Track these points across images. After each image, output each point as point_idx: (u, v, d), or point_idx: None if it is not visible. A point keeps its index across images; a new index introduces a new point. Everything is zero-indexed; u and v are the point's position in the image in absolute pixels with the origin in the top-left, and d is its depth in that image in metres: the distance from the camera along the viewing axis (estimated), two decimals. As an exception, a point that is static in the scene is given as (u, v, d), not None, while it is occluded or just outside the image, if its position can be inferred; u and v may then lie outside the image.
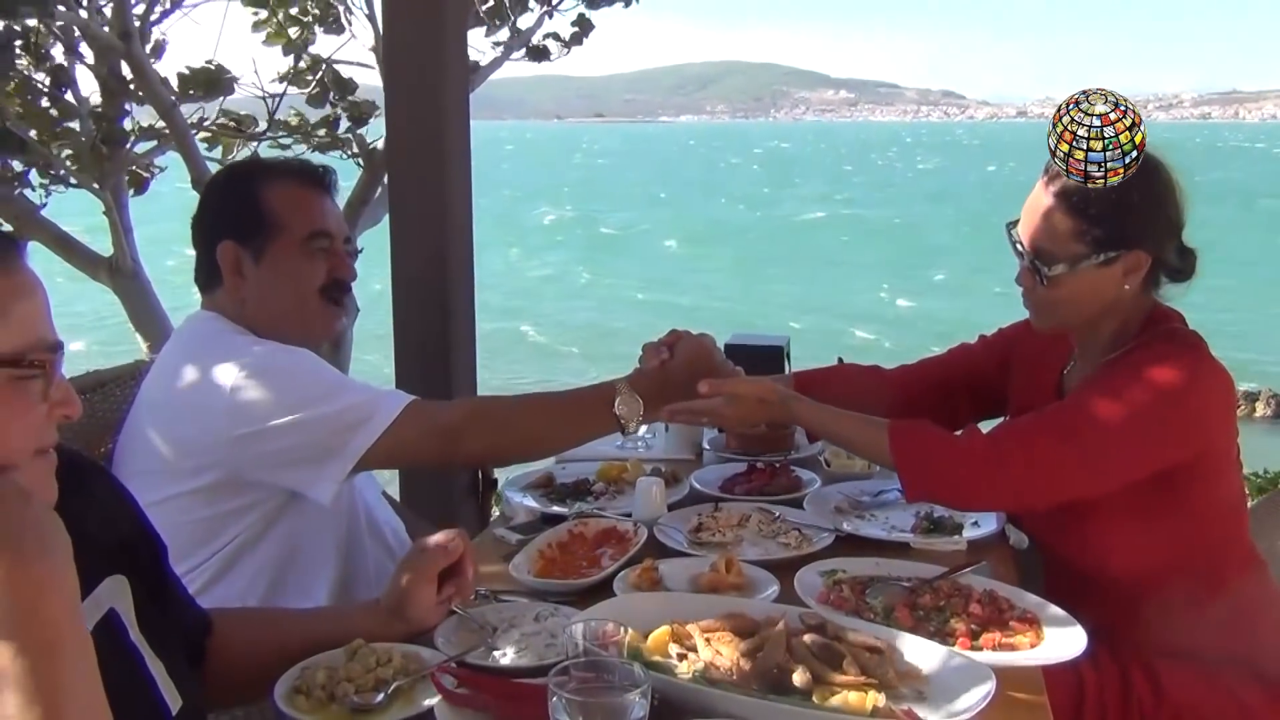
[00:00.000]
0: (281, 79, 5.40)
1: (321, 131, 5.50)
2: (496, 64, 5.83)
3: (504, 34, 5.81)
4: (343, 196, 4.84)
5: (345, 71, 5.49)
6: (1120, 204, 2.01)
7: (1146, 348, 2.05)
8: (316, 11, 5.36)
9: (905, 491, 2.09)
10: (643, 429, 2.83)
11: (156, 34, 5.19)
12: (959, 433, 2.11)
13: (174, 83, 5.06)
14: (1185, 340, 2.07)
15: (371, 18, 5.39)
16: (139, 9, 5.05)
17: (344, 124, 5.51)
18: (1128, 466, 1.99)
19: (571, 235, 39.17)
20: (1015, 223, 2.14)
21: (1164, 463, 1.99)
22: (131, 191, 5.59)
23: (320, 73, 5.37)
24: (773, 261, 31.94)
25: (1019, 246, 2.10)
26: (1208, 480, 2.07)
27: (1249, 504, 2.40)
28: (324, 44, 5.50)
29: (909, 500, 2.16)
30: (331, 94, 5.45)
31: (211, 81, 5.11)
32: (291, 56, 5.40)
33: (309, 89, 5.42)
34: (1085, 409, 2.03)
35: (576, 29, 5.91)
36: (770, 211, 48.51)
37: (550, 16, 5.87)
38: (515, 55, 5.86)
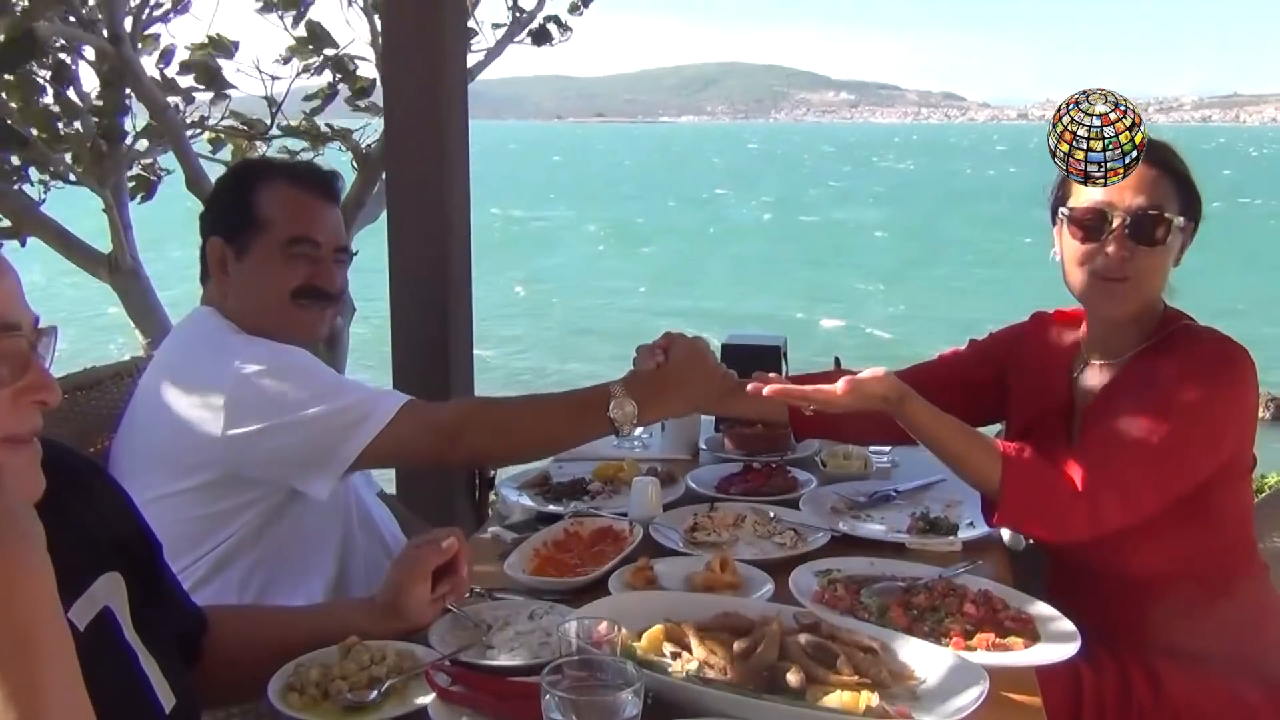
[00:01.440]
0: (288, 56, 5.39)
1: (316, 114, 5.49)
2: (497, 51, 5.82)
3: (503, 15, 5.82)
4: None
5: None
6: (1183, 167, 2.05)
7: (1178, 346, 2.04)
8: None
9: (998, 518, 2.03)
10: (639, 430, 2.83)
11: (165, 38, 5.21)
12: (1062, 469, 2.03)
13: (171, 77, 5.07)
14: (1218, 338, 2.05)
15: (368, 11, 5.38)
16: (135, 3, 5.05)
17: (342, 99, 5.50)
18: (1193, 473, 1.98)
19: (506, 235, 39.41)
20: (1073, 202, 2.08)
21: (1215, 465, 1.99)
22: (140, 197, 5.59)
23: (324, 53, 5.37)
24: (699, 266, 32.15)
25: (1111, 217, 2.01)
26: (1230, 479, 2.06)
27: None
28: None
29: (994, 525, 2.11)
30: (329, 70, 5.44)
31: (208, 69, 5.12)
32: (290, 30, 5.37)
33: (308, 62, 5.40)
34: (1151, 426, 1.98)
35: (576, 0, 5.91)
36: (722, 213, 49.23)
37: None
38: (518, 38, 5.85)
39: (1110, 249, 2.02)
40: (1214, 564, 2.09)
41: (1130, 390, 2.07)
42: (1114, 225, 2.01)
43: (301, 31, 5.39)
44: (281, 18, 5.31)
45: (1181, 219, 2.03)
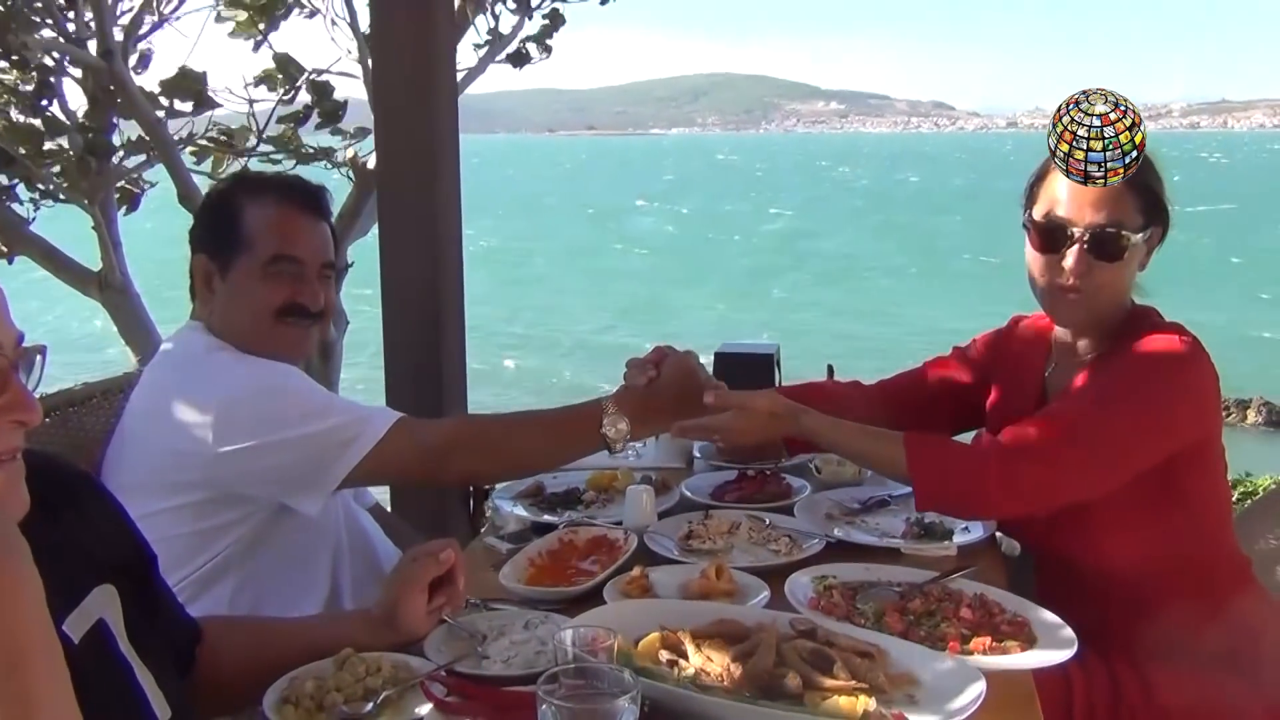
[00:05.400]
0: (258, 81, 5.38)
1: (293, 138, 5.48)
2: (478, 71, 5.83)
3: (482, 35, 5.82)
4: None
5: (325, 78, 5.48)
6: (1151, 177, 2.07)
7: (1136, 341, 2.07)
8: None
9: (918, 502, 2.10)
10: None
11: (142, 46, 5.18)
12: (970, 442, 2.12)
13: (157, 94, 5.05)
14: (1172, 330, 2.09)
15: (354, 26, 5.38)
16: (124, 20, 5.04)
17: (313, 124, 5.49)
18: (1138, 459, 2.01)
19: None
20: (1036, 213, 2.11)
21: (1169, 451, 2.01)
22: (124, 210, 5.57)
23: (301, 79, 5.36)
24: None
25: (1070, 232, 2.05)
26: (1202, 469, 2.10)
27: (1238, 510, 2.41)
28: (305, 53, 5.47)
29: (920, 509, 2.17)
30: (302, 92, 5.43)
31: (190, 89, 5.10)
32: (268, 59, 5.37)
33: (281, 88, 5.40)
34: (1091, 407, 2.05)
35: (546, 23, 5.92)
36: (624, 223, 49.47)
37: (529, 18, 5.88)
38: (498, 59, 5.86)
39: (1068, 262, 2.06)
40: (1195, 559, 2.12)
41: (1082, 384, 2.13)
42: (1072, 239, 2.06)
43: (269, 62, 5.39)
44: (253, 41, 5.29)
45: (1142, 233, 2.06)
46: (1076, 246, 2.04)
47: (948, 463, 2.06)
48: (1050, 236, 2.08)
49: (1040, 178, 2.15)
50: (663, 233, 47.01)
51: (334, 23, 5.40)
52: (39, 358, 1.15)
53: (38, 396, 1.16)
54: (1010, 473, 2.00)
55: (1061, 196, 2.08)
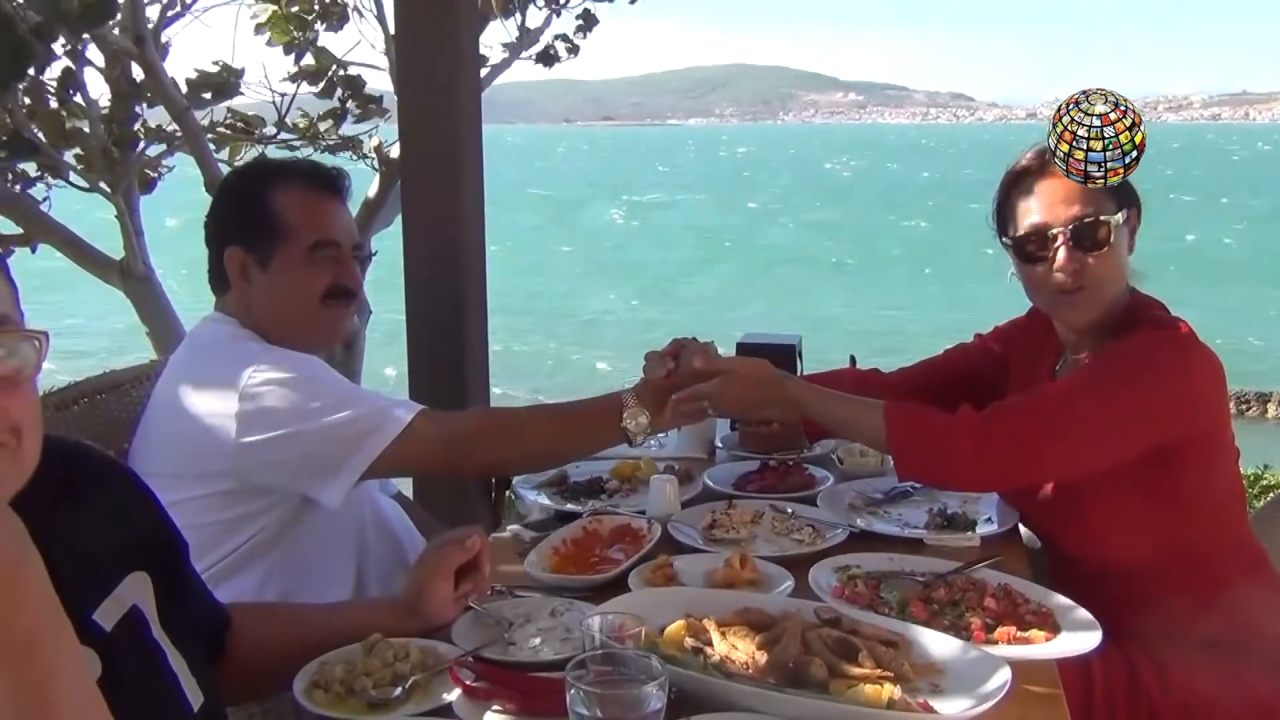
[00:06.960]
0: (291, 78, 5.41)
1: (330, 133, 5.51)
2: (505, 65, 5.85)
3: (512, 32, 5.83)
4: (355, 200, 4.87)
5: (353, 71, 5.51)
6: None
7: (1130, 334, 2.07)
8: (319, 8, 5.37)
9: (898, 471, 2.15)
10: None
11: (164, 36, 5.21)
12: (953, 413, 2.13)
13: (184, 86, 5.07)
14: (1169, 324, 2.09)
15: (381, 19, 5.40)
16: (153, 9, 5.06)
17: (350, 119, 5.52)
18: (1115, 445, 2.01)
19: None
20: (1012, 231, 2.14)
21: (1148, 442, 2.01)
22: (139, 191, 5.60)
23: (331, 72, 5.38)
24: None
25: (1052, 234, 2.07)
26: (1201, 465, 2.08)
27: (1259, 504, 2.40)
28: (333, 44, 5.52)
29: (900, 478, 2.22)
30: (339, 90, 5.46)
31: (219, 84, 5.13)
32: (296, 55, 5.40)
33: (316, 86, 5.43)
34: (1072, 389, 2.08)
35: (581, 23, 5.94)
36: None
37: (558, 15, 5.89)
38: (524, 55, 5.87)
39: (1060, 264, 2.07)
40: (1203, 552, 2.11)
41: (1073, 372, 2.15)
42: (1056, 241, 2.06)
43: (309, 60, 5.42)
44: (283, 46, 5.32)
45: (1120, 215, 2.07)
46: (1062, 245, 2.06)
47: (926, 433, 2.07)
48: (1034, 246, 2.10)
49: (1005, 198, 2.17)
50: (627, 227, 46.82)
51: (360, 14, 5.42)
52: (36, 344, 1.09)
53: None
54: (984, 447, 2.02)
55: (1033, 206, 2.10)
